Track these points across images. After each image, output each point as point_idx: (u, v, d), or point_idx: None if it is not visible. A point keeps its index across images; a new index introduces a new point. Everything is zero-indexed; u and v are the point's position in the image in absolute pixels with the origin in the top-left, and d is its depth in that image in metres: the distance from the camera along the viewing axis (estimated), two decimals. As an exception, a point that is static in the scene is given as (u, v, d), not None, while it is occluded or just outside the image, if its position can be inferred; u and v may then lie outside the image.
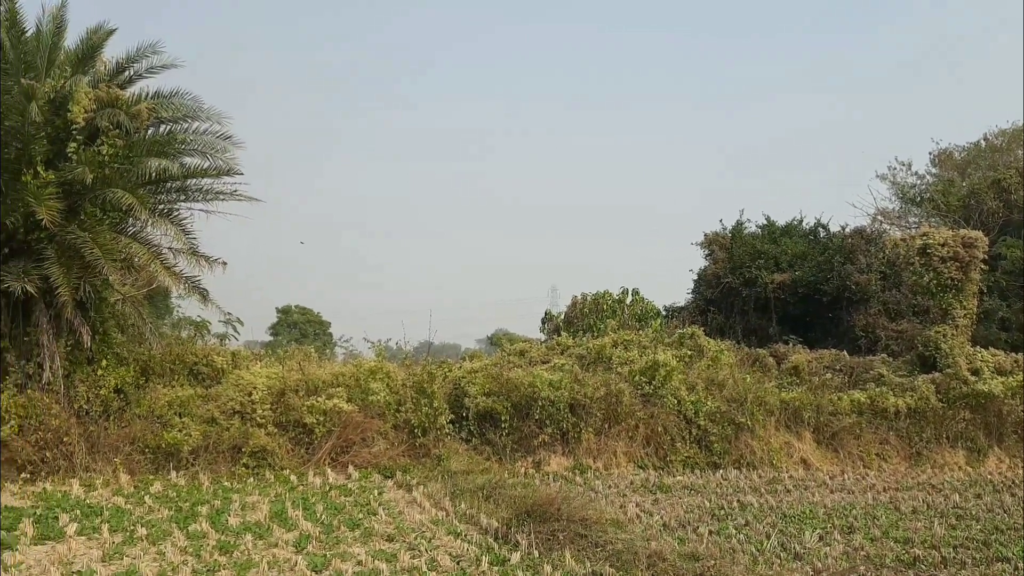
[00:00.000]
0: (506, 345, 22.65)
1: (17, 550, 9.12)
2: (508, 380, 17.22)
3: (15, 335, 15.00)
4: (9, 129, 14.93)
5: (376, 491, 13.35)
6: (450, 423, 16.72)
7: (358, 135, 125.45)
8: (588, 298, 28.54)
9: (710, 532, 11.13)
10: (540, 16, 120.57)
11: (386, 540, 10.14)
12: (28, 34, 16.30)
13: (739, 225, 31.54)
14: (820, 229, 31.32)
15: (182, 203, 16.92)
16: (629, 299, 28.64)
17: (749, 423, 17.61)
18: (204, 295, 16.70)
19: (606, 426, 17.29)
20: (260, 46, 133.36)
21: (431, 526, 10.88)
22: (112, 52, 17.35)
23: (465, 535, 10.42)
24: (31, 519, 10.38)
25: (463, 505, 11.99)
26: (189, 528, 10.20)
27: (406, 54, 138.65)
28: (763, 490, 14.67)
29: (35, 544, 9.45)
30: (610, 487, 14.64)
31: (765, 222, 31.66)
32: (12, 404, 13.80)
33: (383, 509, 11.80)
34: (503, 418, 16.79)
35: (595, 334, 23.78)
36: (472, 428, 16.91)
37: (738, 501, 13.51)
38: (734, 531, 11.26)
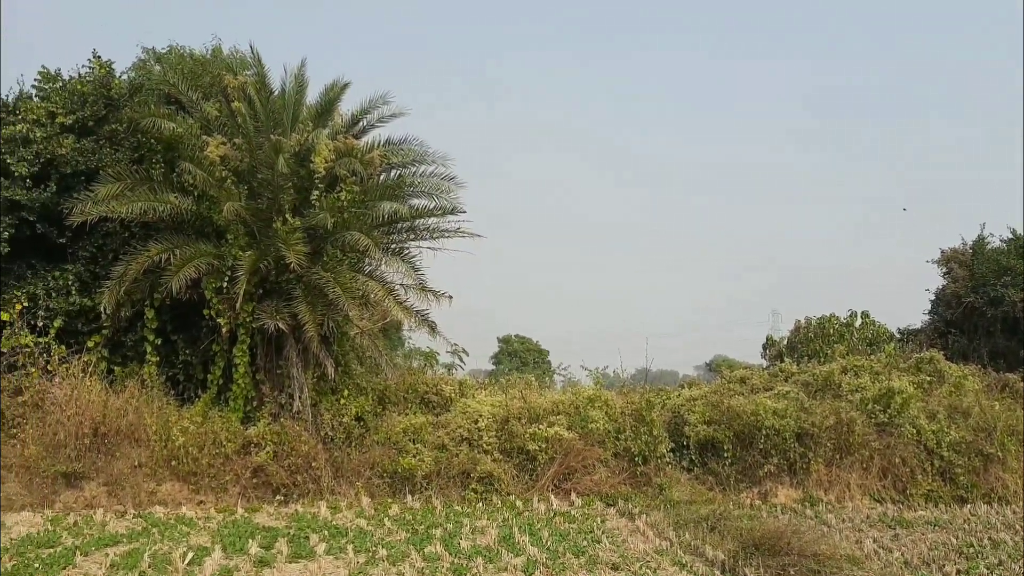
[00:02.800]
0: (726, 372, 22.16)
1: (275, 567, 10.01)
2: (730, 408, 16.86)
3: (269, 368, 16.50)
4: (261, 181, 16.57)
5: (599, 519, 13.47)
6: (670, 452, 16.60)
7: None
8: (812, 322, 27.39)
9: (958, 572, 10.34)
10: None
11: (611, 568, 10.20)
12: (274, 94, 18.07)
13: (981, 240, 29.00)
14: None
15: (411, 242, 18.05)
16: (858, 322, 27.17)
17: (999, 454, 16.21)
18: (433, 327, 17.64)
19: (837, 457, 16.50)
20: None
21: (655, 556, 10.83)
22: (347, 105, 18.91)
23: (690, 566, 10.30)
24: (286, 539, 11.35)
25: (687, 535, 11.86)
26: (425, 550, 10.75)
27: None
28: (1018, 527, 13.40)
29: (289, 562, 10.30)
30: (844, 521, 13.93)
31: (1011, 235, 28.95)
32: (268, 432, 15.16)
33: (607, 537, 11.88)
34: (725, 447, 16.44)
35: (821, 360, 22.76)
36: (693, 457, 16.69)
37: (989, 538, 12.45)
38: (985, 571, 10.39)
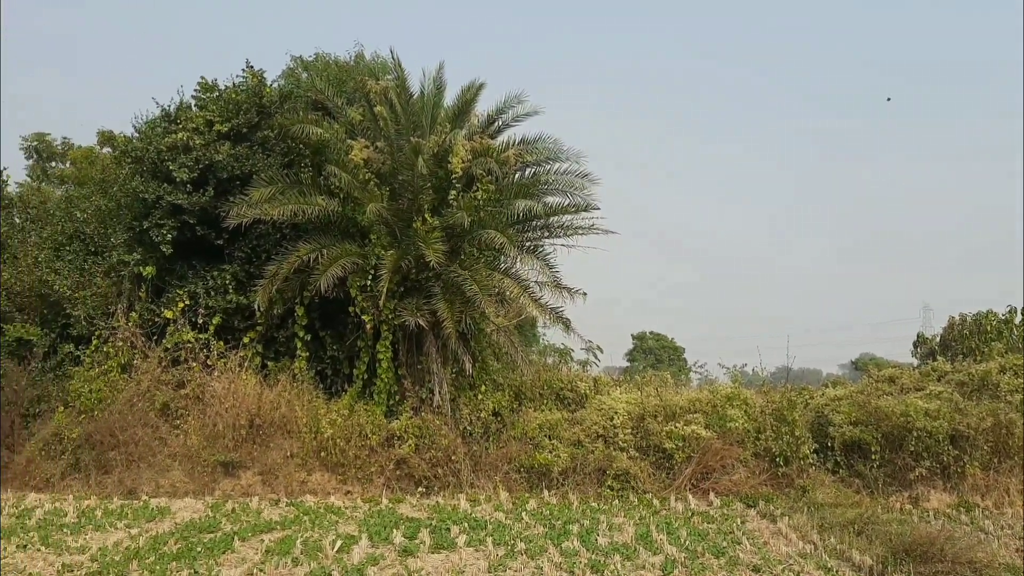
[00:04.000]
0: (873, 371, 21.24)
1: (418, 557, 10.34)
2: (877, 408, 16.18)
3: (410, 363, 17.01)
4: (402, 182, 17.09)
5: (739, 519, 13.22)
6: (813, 452, 16.08)
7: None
8: (968, 319, 25.87)
9: None
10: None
11: (752, 570, 10.02)
12: (413, 97, 18.60)
13: None
14: None
15: (546, 239, 18.17)
16: (1018, 319, 25.47)
17: None
18: (567, 324, 17.71)
19: (995, 460, 15.60)
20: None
21: (799, 559, 10.56)
22: (482, 105, 19.25)
23: (836, 571, 9.99)
24: (428, 529, 11.70)
25: (832, 539, 11.49)
26: (563, 545, 10.86)
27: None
28: None
29: (432, 552, 10.61)
30: (1002, 528, 13.15)
31: None
32: (410, 425, 15.64)
33: (747, 538, 11.66)
34: (873, 449, 15.80)
35: (977, 358, 21.48)
36: (838, 459, 16.11)
37: None
38: None
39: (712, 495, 15.02)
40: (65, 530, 11.64)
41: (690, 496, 14.89)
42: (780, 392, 17.72)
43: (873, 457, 15.76)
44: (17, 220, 19.49)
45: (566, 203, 17.77)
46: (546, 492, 15.09)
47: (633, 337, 50.46)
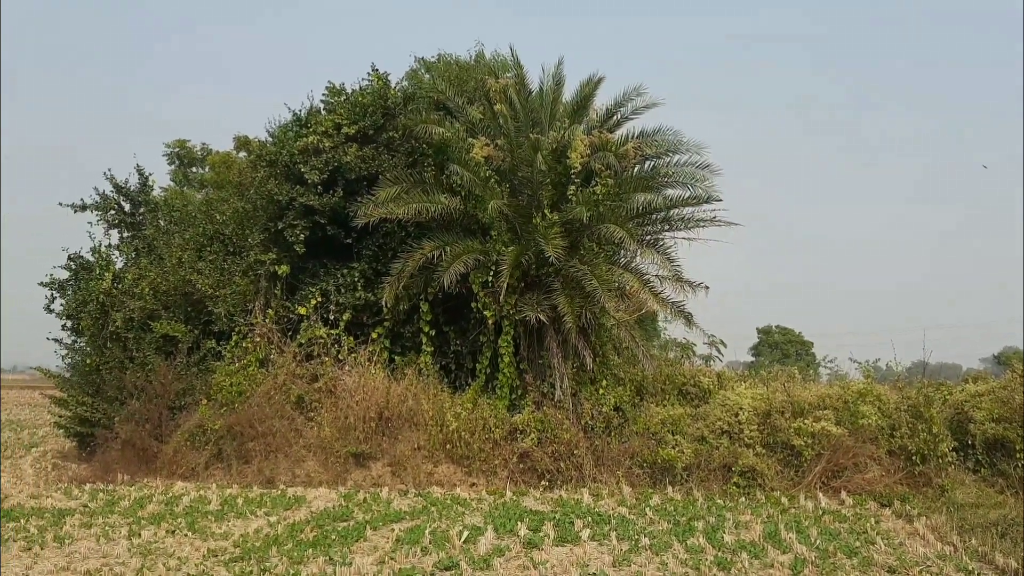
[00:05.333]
0: (1017, 365, 20.08)
1: (542, 549, 10.47)
2: (1022, 405, 15.32)
3: (531, 358, 17.19)
4: (521, 179, 17.29)
5: (872, 519, 12.78)
6: (952, 451, 15.38)
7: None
8: None
9: None
10: None
11: (887, 572, 9.68)
12: (532, 94, 18.76)
13: None
14: None
15: (666, 232, 18.02)
16: None
17: None
18: (689, 318, 17.52)
19: None
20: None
21: (937, 561, 10.13)
22: (601, 100, 19.22)
23: (978, 574, 9.55)
24: (551, 523, 11.82)
25: (973, 541, 10.99)
26: (687, 542, 10.78)
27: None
28: None
29: (556, 545, 10.70)
30: None
31: None
32: (532, 419, 15.83)
33: (881, 539, 11.27)
34: (1018, 447, 15.01)
35: None
36: (980, 457, 15.41)
37: None
38: None
39: (844, 494, 14.57)
40: (209, 517, 12.37)
41: (820, 494, 14.49)
42: (916, 388, 17.00)
43: (1017, 456, 14.98)
44: (162, 223, 20.67)
45: (687, 195, 17.54)
46: (670, 488, 15.00)
47: (758, 331, 49.27)
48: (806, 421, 15.47)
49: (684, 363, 21.17)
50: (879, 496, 14.45)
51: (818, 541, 10.95)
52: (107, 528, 11.49)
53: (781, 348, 45.13)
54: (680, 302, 17.43)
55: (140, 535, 11.05)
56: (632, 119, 19.02)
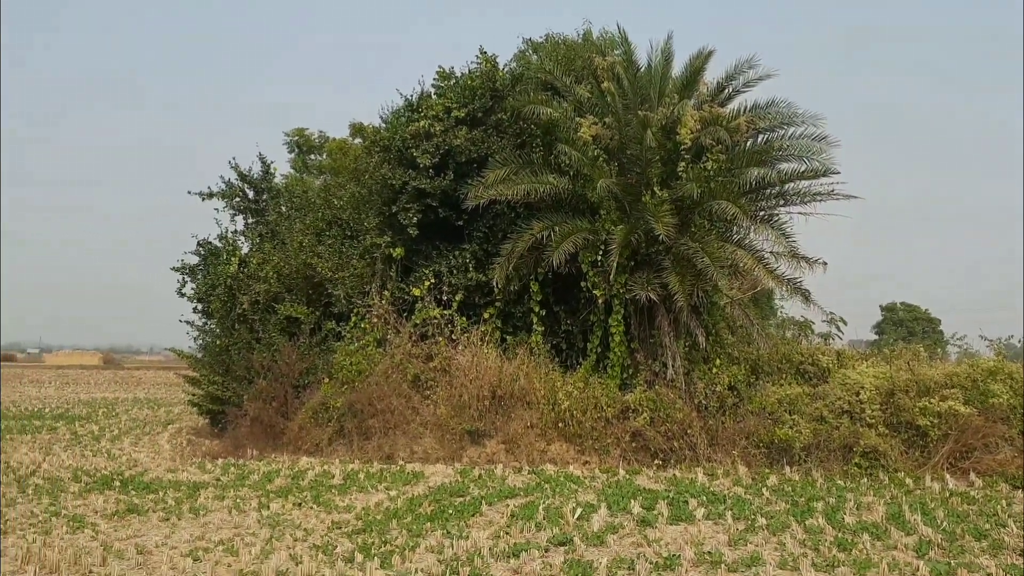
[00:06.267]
0: None
1: (656, 527, 10.46)
2: None
3: (642, 337, 17.10)
4: (630, 157, 17.15)
5: (1004, 501, 12.21)
6: (1092, 432, 14.48)
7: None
8: None
9: None
10: None
11: (1020, 555, 9.25)
12: (640, 71, 18.53)
13: None
14: None
15: (780, 208, 17.57)
16: None
17: None
18: (806, 295, 17.08)
19: None
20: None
21: (1075, 548, 9.61)
22: (711, 73, 18.82)
23: (1121, 563, 9.01)
24: (665, 501, 11.77)
25: (1117, 528, 10.36)
26: (806, 522, 10.55)
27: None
28: None
29: (670, 524, 10.66)
30: None
31: None
32: (644, 398, 15.77)
33: (1013, 522, 10.76)
34: None
35: None
36: None
37: None
38: None
39: (973, 475, 13.96)
40: (333, 490, 12.89)
41: (947, 476, 13.93)
42: (1053, 366, 16.06)
43: None
44: (284, 209, 21.52)
45: (802, 169, 17.03)
46: (787, 468, 14.70)
47: (882, 308, 47.46)
48: (932, 400, 14.86)
49: (802, 341, 20.65)
50: (1011, 478, 13.77)
51: (945, 523, 10.56)
52: (238, 500, 12.14)
53: (906, 326, 43.35)
54: (797, 279, 17.01)
55: (269, 507, 11.62)
56: (744, 92, 18.55)
